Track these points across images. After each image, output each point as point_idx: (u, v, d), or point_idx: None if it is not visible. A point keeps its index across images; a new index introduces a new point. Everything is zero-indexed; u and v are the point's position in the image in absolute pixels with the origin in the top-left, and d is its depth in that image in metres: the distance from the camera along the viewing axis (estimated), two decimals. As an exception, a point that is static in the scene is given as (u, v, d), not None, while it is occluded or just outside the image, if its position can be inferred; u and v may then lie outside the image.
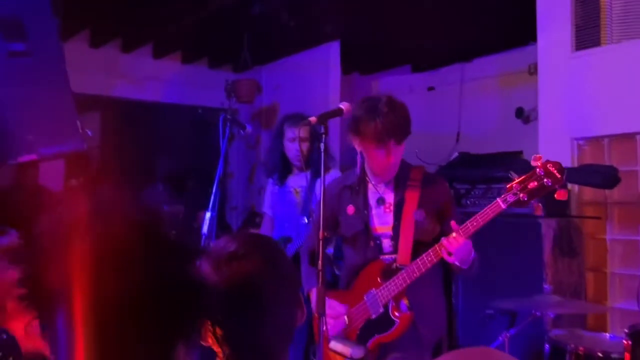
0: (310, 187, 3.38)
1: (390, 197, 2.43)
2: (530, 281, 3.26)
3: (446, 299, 2.54)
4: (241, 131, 3.47)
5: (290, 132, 3.52)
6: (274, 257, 1.25)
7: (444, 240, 2.19)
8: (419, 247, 2.32)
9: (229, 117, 3.23)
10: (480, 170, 3.78)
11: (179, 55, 5.46)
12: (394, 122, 2.25)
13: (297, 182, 3.53)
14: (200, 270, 1.18)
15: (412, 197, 2.39)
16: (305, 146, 3.49)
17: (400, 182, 2.43)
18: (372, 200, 2.45)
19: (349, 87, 5.46)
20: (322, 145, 2.11)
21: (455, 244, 2.16)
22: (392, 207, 2.42)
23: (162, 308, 0.82)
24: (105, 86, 5.00)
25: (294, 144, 3.48)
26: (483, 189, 3.67)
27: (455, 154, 4.32)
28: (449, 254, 2.18)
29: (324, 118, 2.12)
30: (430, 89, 5.56)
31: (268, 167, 3.68)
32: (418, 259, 2.26)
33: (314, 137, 3.42)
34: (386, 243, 2.41)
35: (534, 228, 3.32)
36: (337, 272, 3.28)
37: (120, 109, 5.04)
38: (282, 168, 3.57)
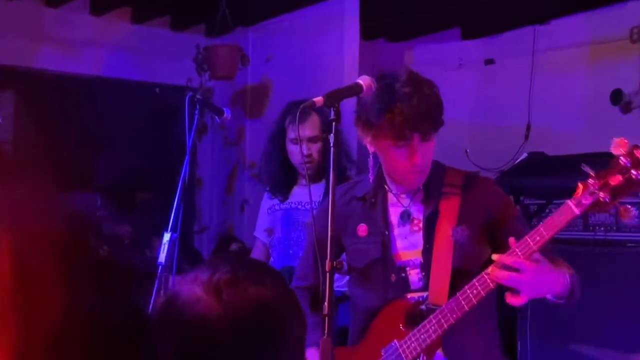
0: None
1: (418, 211, 2.48)
2: (634, 335, 3.26)
3: (507, 354, 2.62)
4: (216, 119, 3.50)
5: (292, 131, 3.60)
6: (285, 282, 1.31)
7: (494, 265, 2.21)
8: (461, 280, 2.34)
9: (198, 98, 3.27)
10: (559, 179, 3.79)
11: (129, 11, 5.47)
12: (418, 109, 2.29)
13: (305, 196, 3.63)
14: (182, 297, 1.24)
15: (449, 209, 2.43)
16: (315, 148, 3.57)
17: (431, 189, 2.48)
18: (393, 216, 2.51)
19: (372, 58, 5.47)
20: (331, 137, 2.14)
21: (507, 271, 2.17)
22: (421, 224, 2.46)
23: (94, 351, 0.86)
24: (23, 53, 5.02)
25: (298, 146, 3.56)
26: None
27: (524, 155, 4.33)
28: (513, 290, 2.19)
29: (334, 98, 2.16)
30: (489, 62, 5.58)
31: (264, 176, 3.78)
32: (459, 294, 2.29)
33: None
34: (414, 275, 2.45)
35: (638, 261, 3.32)
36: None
37: (43, 86, 5.03)
38: (284, 178, 3.68)
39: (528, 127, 5.15)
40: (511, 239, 2.19)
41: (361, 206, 2.54)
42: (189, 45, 5.59)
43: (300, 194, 3.66)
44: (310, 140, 3.56)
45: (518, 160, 4.33)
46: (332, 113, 2.15)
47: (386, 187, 2.52)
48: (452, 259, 2.38)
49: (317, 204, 3.42)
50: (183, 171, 3.15)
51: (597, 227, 3.52)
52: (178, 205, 3.10)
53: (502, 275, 2.18)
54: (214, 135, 5.86)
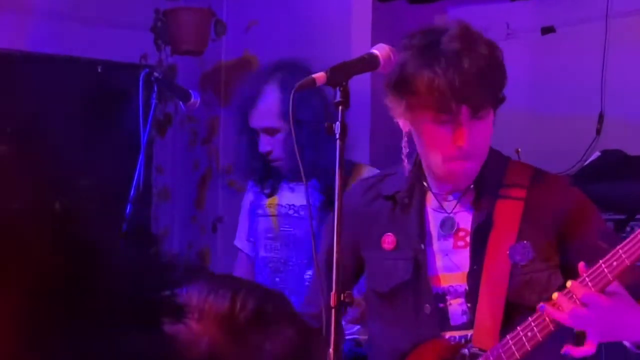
0: (324, 210, 3.42)
1: (465, 219, 2.48)
2: None
3: None
4: (181, 105, 3.50)
5: (250, 116, 3.58)
6: (302, 319, 1.34)
7: (559, 297, 2.20)
8: (518, 316, 2.34)
9: (156, 76, 3.30)
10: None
11: (62, -37, 5.46)
12: (469, 72, 2.29)
13: (294, 198, 3.61)
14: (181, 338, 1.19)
15: (507, 218, 2.43)
16: (276, 143, 3.51)
17: (485, 189, 2.48)
18: (432, 225, 2.51)
19: (390, 24, 5.47)
20: (336, 127, 2.20)
21: (571, 306, 2.17)
22: (468, 238, 2.47)
23: None
24: None
25: (260, 137, 3.55)
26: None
27: (596, 155, 4.34)
28: (578, 334, 2.21)
29: (340, 74, 2.23)
30: (547, 30, 5.55)
31: (242, 167, 3.81)
32: (509, 337, 2.29)
33: (302, 115, 3.41)
34: (456, 307, 2.45)
35: None
36: None
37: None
38: (266, 173, 3.64)
39: (601, 118, 5.10)
40: (581, 265, 2.19)
41: (389, 208, 2.54)
42: (145, 10, 5.55)
43: (288, 193, 3.64)
44: (267, 132, 3.53)
45: (588, 162, 4.35)
46: (339, 94, 2.21)
47: (425, 184, 2.53)
48: (508, 287, 2.38)
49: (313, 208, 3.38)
50: (136, 176, 3.15)
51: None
52: (128, 222, 3.10)
53: (562, 311, 2.18)
54: (179, 131, 5.81)
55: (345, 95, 2.21)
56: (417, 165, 2.53)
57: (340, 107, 2.20)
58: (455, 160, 2.38)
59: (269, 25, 5.48)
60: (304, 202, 3.44)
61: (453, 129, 2.33)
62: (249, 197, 3.79)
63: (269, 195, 3.66)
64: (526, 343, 2.26)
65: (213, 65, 5.76)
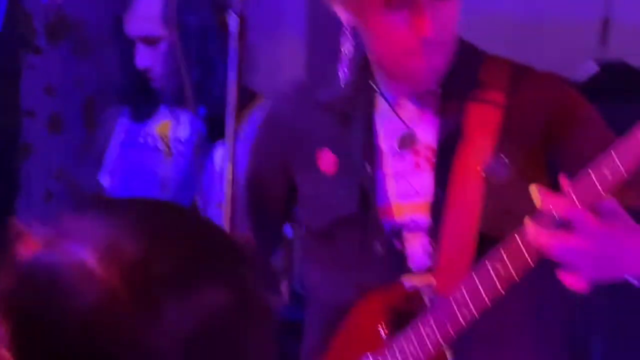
0: (201, 144, 3.58)
1: (428, 131, 2.48)
2: None
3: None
4: None
5: (126, 21, 3.64)
6: (241, 272, 1.26)
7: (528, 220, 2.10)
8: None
9: None
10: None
11: None
12: None
13: (173, 127, 3.70)
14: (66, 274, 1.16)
15: (481, 128, 2.43)
16: (156, 56, 3.59)
17: (454, 90, 2.48)
18: (384, 139, 2.51)
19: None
20: (231, 20, 2.27)
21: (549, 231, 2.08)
22: (432, 155, 2.46)
23: None
24: None
25: (138, 49, 3.60)
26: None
27: (594, 69, 4.43)
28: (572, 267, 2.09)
29: None
30: None
31: (112, 90, 3.93)
32: (474, 273, 2.25)
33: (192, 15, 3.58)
34: (417, 246, 2.46)
35: None
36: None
37: None
38: (139, 93, 3.72)
39: (605, 24, 5.15)
40: (562, 177, 2.14)
41: (328, 120, 2.57)
42: None
43: (173, 118, 3.70)
44: (146, 41, 3.58)
45: (586, 75, 4.38)
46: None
47: (373, 84, 2.54)
48: (481, 215, 2.38)
49: (187, 140, 3.56)
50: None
51: None
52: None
53: (542, 239, 2.10)
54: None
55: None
56: (364, 62, 2.54)
57: None
58: (417, 55, 2.38)
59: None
60: (182, 135, 3.67)
61: (411, 15, 2.33)
62: (122, 125, 3.85)
63: (138, 121, 3.76)
64: (497, 282, 2.23)
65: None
